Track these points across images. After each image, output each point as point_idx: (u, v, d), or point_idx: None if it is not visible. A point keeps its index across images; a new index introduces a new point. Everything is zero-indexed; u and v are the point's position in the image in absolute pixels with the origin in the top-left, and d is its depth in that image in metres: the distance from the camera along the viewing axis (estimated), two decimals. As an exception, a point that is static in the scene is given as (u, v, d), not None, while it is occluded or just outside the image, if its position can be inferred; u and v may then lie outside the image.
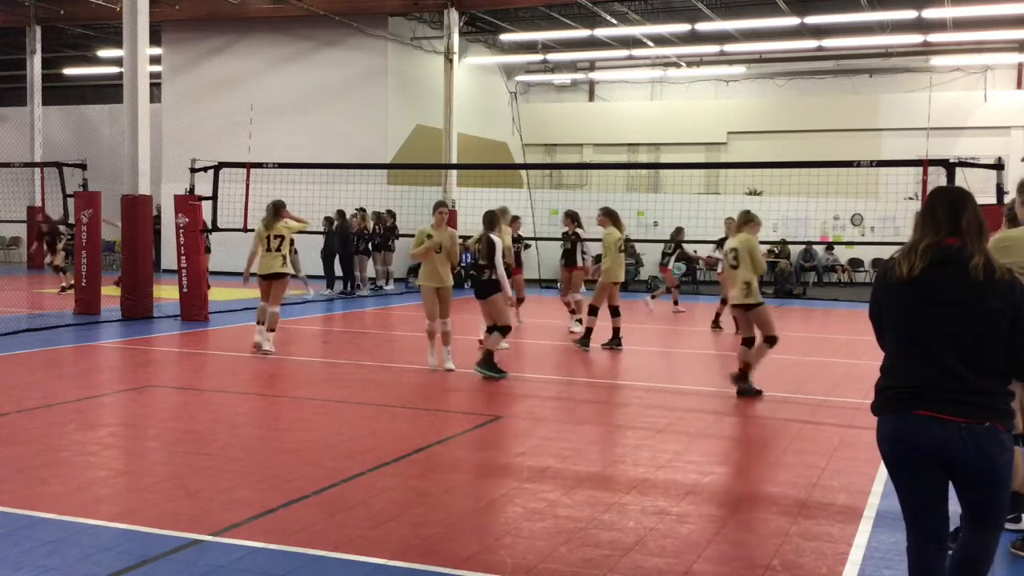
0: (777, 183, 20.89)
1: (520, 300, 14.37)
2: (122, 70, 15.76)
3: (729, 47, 26.65)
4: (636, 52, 27.65)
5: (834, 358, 12.29)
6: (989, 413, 3.35)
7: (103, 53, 28.82)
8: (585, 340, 12.50)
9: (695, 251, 20.73)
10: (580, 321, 13.91)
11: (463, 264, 22.00)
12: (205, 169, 15.10)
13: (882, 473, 6.28)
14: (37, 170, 22.47)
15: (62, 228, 18.76)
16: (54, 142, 28.77)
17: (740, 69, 29.30)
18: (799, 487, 6.19)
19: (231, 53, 26.17)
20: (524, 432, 7.80)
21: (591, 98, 32.68)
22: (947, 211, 3.47)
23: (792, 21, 23.17)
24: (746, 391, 9.18)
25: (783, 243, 22.56)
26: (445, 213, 10.42)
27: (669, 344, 14.32)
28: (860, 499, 5.90)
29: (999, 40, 25.84)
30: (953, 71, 27.61)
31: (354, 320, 16.80)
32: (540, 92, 33.23)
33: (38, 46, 27.53)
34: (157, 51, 25.23)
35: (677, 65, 29.38)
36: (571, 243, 14.55)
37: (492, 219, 10.30)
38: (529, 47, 28.86)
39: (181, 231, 15.35)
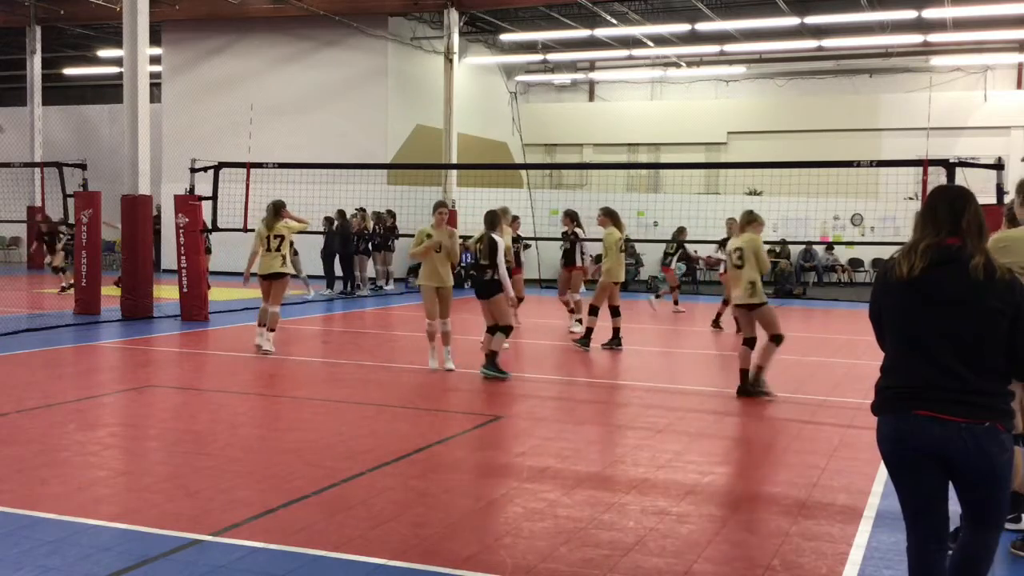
0: (777, 183, 20.91)
1: (519, 300, 14.37)
2: (122, 70, 15.76)
3: (729, 47, 26.65)
4: (636, 52, 27.65)
5: (834, 358, 12.29)
6: (989, 413, 3.34)
7: (103, 53, 28.82)
8: (585, 340, 12.50)
9: (695, 251, 20.73)
10: (580, 321, 13.92)
11: (463, 264, 22.03)
12: (205, 169, 15.10)
13: (882, 473, 6.28)
14: (37, 170, 22.49)
15: (62, 228, 18.76)
16: (54, 142, 28.78)
17: (740, 69, 29.30)
18: (799, 487, 6.19)
19: (231, 53, 26.17)
20: (524, 432, 7.80)
21: (591, 98, 32.68)
22: (947, 211, 3.47)
23: (792, 21, 23.17)
24: (761, 392, 9.16)
25: (783, 243, 22.57)
26: (445, 213, 10.41)
27: (669, 344, 14.32)
28: (860, 499, 5.90)
29: (999, 40, 25.84)
30: (953, 71, 27.61)
31: (354, 320, 16.81)
32: (540, 92, 33.23)
33: (38, 46, 27.53)
34: (157, 51, 25.23)
35: (677, 65, 29.39)
36: (570, 243, 14.55)
37: (493, 219, 10.29)
38: (529, 47, 28.87)
39: (181, 231, 15.35)
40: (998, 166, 11.01)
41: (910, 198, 21.32)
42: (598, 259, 15.43)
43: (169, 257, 21.12)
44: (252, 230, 12.70)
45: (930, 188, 3.94)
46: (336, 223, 20.31)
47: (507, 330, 10.12)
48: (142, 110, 15.32)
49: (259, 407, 8.76)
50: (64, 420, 7.76)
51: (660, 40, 26.52)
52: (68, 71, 32.06)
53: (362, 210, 20.95)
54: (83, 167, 16.51)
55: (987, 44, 26.25)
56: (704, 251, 22.58)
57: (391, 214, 21.54)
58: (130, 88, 15.31)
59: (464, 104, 25.57)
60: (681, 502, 5.78)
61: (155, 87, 23.67)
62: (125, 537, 4.96)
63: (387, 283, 21.89)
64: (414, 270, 20.89)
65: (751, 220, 9.47)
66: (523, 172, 28.26)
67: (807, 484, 6.25)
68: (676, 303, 18.13)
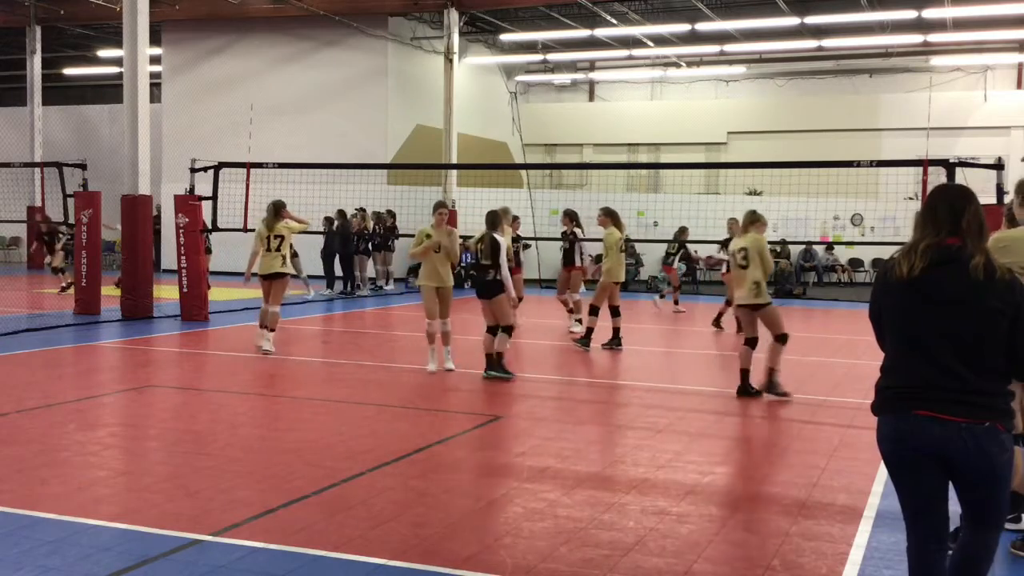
0: (777, 183, 20.90)
1: (519, 300, 14.37)
2: (122, 70, 15.76)
3: (729, 47, 26.65)
4: (636, 52, 27.65)
5: (834, 358, 12.29)
6: (989, 413, 3.34)
7: (103, 53, 28.82)
8: (586, 340, 12.50)
9: (695, 251, 20.74)
10: (580, 321, 13.92)
11: (463, 264, 22.02)
12: (205, 169, 15.11)
13: (882, 473, 6.28)
14: (37, 170, 22.49)
15: (62, 228, 18.76)
16: (54, 142, 28.77)
17: (740, 69, 29.30)
18: (799, 487, 6.19)
19: (231, 53, 26.17)
20: (524, 432, 7.80)
21: (591, 98, 32.68)
22: (947, 210, 3.47)
23: (792, 21, 23.17)
24: (779, 393, 9.15)
25: (783, 243, 22.56)
26: (445, 214, 10.39)
27: (669, 344, 14.32)
28: (860, 499, 5.90)
29: (999, 40, 25.84)
30: (953, 71, 27.61)
31: (354, 320, 16.81)
32: (540, 92, 33.23)
33: (38, 46, 27.53)
34: (157, 51, 25.23)
35: (677, 65, 29.39)
36: (569, 243, 14.55)
37: (495, 219, 10.28)
38: (529, 47, 28.86)
39: (181, 231, 15.35)
40: (998, 166, 11.02)
41: (910, 198, 21.32)
42: (598, 259, 15.44)
43: (169, 257, 21.12)
44: (252, 230, 12.70)
45: (930, 188, 3.93)
46: (337, 223, 20.31)
47: (508, 330, 10.12)
48: (142, 110, 15.32)
49: (259, 407, 8.76)
50: (64, 420, 7.76)
51: (660, 40, 26.52)
52: (68, 71, 32.06)
53: (362, 210, 20.96)
54: (83, 167, 16.51)
55: (987, 44, 26.25)
56: (704, 251, 22.61)
57: (391, 214, 21.54)
58: (130, 88, 15.31)
59: (464, 104, 25.57)
60: (681, 502, 5.78)
61: (155, 87, 23.67)
62: (125, 537, 4.96)
63: (387, 283, 21.89)
64: (414, 270, 20.89)
65: (754, 220, 9.47)
66: (523, 172, 28.26)
67: (807, 484, 6.25)
68: (676, 303, 18.13)
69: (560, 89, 33.15)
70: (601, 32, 25.46)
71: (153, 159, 16.66)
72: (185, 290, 15.15)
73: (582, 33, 25.65)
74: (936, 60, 27.08)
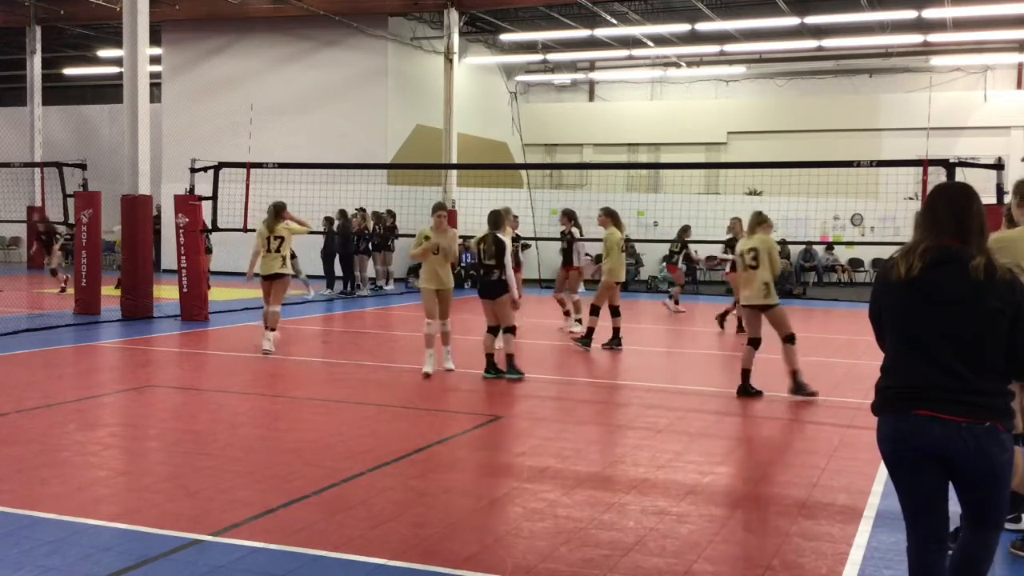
0: (777, 183, 20.90)
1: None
2: (122, 70, 15.77)
3: (729, 47, 26.65)
4: (636, 52, 27.65)
5: (834, 358, 12.29)
6: (989, 413, 3.34)
7: (103, 53, 28.83)
8: (586, 340, 12.50)
9: (695, 251, 20.72)
10: (580, 321, 13.92)
11: (463, 264, 22.03)
12: (205, 169, 15.11)
13: (882, 473, 6.28)
14: (37, 170, 22.50)
15: (62, 228, 18.77)
16: (54, 142, 28.78)
17: (740, 69, 29.30)
18: (799, 487, 6.19)
19: (231, 53, 26.17)
20: (524, 432, 7.80)
21: (591, 98, 32.68)
22: (947, 211, 3.47)
23: (792, 21, 23.17)
24: (808, 393, 9.16)
25: (783, 243, 22.50)
26: (444, 215, 10.35)
27: (669, 344, 14.32)
28: (860, 499, 5.90)
29: (999, 40, 25.84)
30: (953, 71, 27.61)
31: (354, 320, 16.80)
32: (540, 92, 33.23)
33: (38, 46, 27.53)
34: (157, 51, 25.23)
35: (677, 65, 29.39)
36: (567, 243, 14.54)
37: (497, 219, 10.27)
38: (529, 47, 28.87)
39: (181, 231, 15.35)
40: (998, 166, 11.02)
41: (910, 198, 21.33)
42: (598, 259, 15.43)
43: (169, 257, 21.12)
44: (252, 230, 12.71)
45: (930, 188, 3.93)
46: (337, 223, 20.31)
47: (511, 331, 10.12)
48: (142, 110, 15.32)
49: (259, 407, 8.76)
50: (64, 420, 7.76)
51: (660, 40, 26.52)
52: (68, 71, 32.06)
53: (362, 210, 20.96)
54: (83, 167, 16.52)
55: (987, 44, 26.25)
56: (704, 251, 22.61)
57: (391, 214, 21.54)
58: (130, 88, 15.31)
59: (464, 104, 25.57)
60: (681, 502, 5.78)
61: (155, 87, 23.67)
62: (125, 537, 4.96)
63: (387, 283, 21.89)
64: (414, 270, 20.90)
65: (761, 222, 9.49)
66: (523, 172, 28.26)
67: (807, 484, 6.24)
68: (676, 303, 18.12)
69: (560, 89, 33.15)
70: (601, 32, 25.46)
71: (153, 159, 16.66)
72: (185, 290, 15.15)
73: (582, 33, 25.65)
74: (936, 60, 27.08)
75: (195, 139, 24.45)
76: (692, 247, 19.15)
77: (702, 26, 24.38)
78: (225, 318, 15.40)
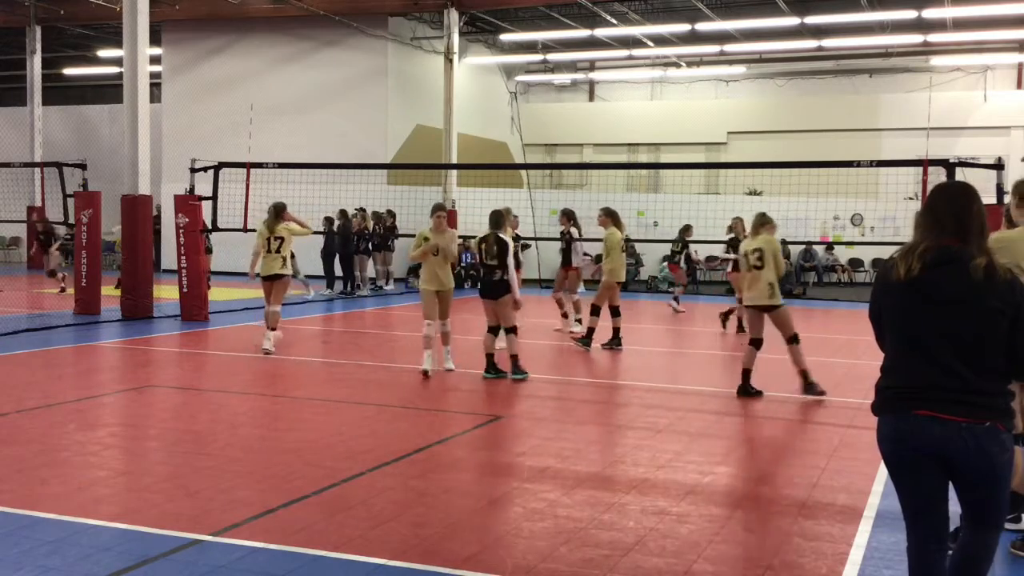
0: (777, 183, 20.90)
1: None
2: (122, 70, 15.77)
3: (729, 47, 26.65)
4: (636, 52, 27.65)
5: (834, 358, 12.28)
6: (989, 413, 3.34)
7: (103, 53, 28.83)
8: (586, 340, 12.49)
9: (695, 251, 20.72)
10: (580, 320, 13.92)
11: (463, 264, 22.04)
12: (205, 169, 15.11)
13: (882, 473, 6.28)
14: (37, 170, 22.50)
15: (58, 231, 18.77)
16: (54, 142, 28.78)
17: (740, 69, 29.30)
18: (799, 487, 6.19)
19: (231, 53, 26.17)
20: (524, 432, 7.80)
21: (591, 98, 32.68)
22: (947, 211, 3.47)
23: (792, 21, 23.17)
24: (818, 392, 9.17)
25: (783, 243, 22.51)
26: (443, 216, 10.34)
27: (669, 344, 14.32)
28: (860, 499, 5.90)
29: (999, 40, 25.84)
30: (953, 71, 27.61)
31: (354, 320, 16.80)
32: (540, 92, 33.23)
33: (38, 46, 27.53)
34: (157, 51, 25.23)
35: (677, 65, 29.38)
36: (566, 243, 14.53)
37: (499, 219, 10.26)
38: (529, 47, 28.86)
39: (181, 231, 15.35)
40: (998, 166, 11.03)
41: (910, 198, 21.32)
42: (598, 259, 15.42)
43: (169, 257, 21.12)
44: (252, 230, 12.73)
45: (930, 188, 3.93)
46: (337, 223, 20.31)
47: (513, 331, 10.12)
48: (142, 110, 15.32)
49: (259, 407, 8.76)
50: (64, 420, 7.76)
51: (660, 40, 26.52)
52: (68, 71, 32.06)
53: (362, 210, 20.96)
54: (83, 167, 16.52)
55: (987, 44, 26.25)
56: (705, 251, 22.62)
57: (391, 214, 21.54)
58: (130, 88, 15.31)
59: (464, 104, 25.57)
60: (681, 502, 5.78)
61: (155, 87, 23.67)
62: (125, 537, 4.96)
63: (387, 283, 21.89)
64: (414, 270, 20.90)
65: (765, 222, 9.51)
66: (523, 172, 28.26)
67: (807, 484, 6.24)
68: (678, 301, 18.12)
69: (560, 89, 33.15)
70: (601, 32, 25.46)
71: (153, 159, 16.66)
72: (185, 290, 15.15)
73: (582, 33, 25.65)
74: (936, 60, 27.08)
75: (195, 139, 24.45)
76: (692, 247, 19.15)
77: (702, 26, 24.38)
78: (225, 318, 15.41)
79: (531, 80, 32.29)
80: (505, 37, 27.59)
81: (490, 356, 10.14)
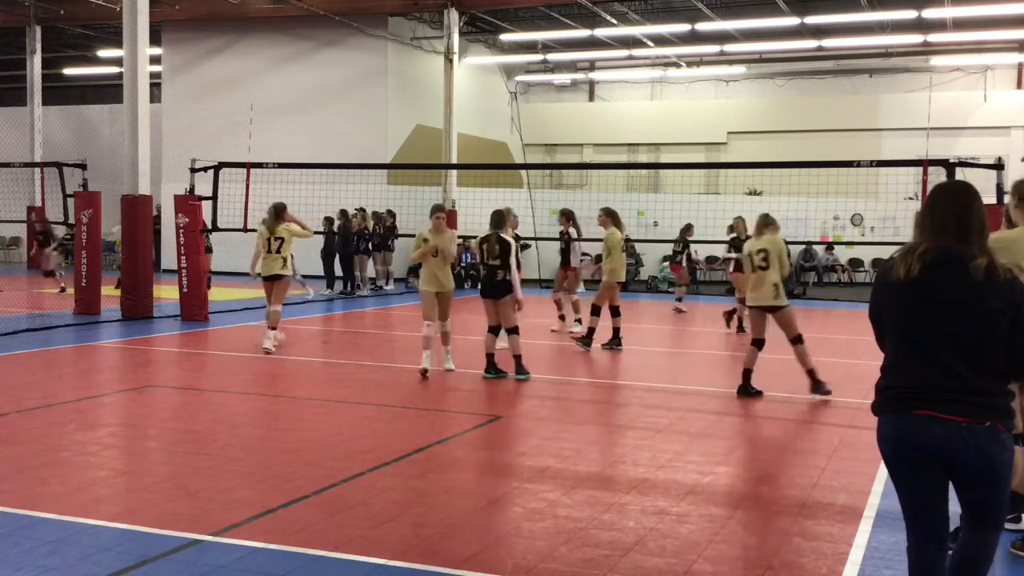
0: (777, 183, 20.89)
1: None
2: (122, 70, 15.77)
3: (729, 47, 26.64)
4: (636, 52, 27.65)
5: (834, 358, 12.28)
6: (989, 413, 3.34)
7: (103, 53, 28.82)
8: (587, 339, 12.49)
9: (695, 251, 20.72)
10: (579, 320, 13.91)
11: (463, 264, 22.04)
12: (205, 169, 15.11)
13: (882, 473, 6.28)
14: (37, 170, 22.50)
15: (61, 229, 18.76)
16: (54, 142, 28.77)
17: (740, 69, 29.30)
18: (799, 487, 6.19)
19: (231, 53, 26.17)
20: (524, 432, 7.80)
21: (591, 98, 32.68)
22: (948, 210, 3.46)
23: (792, 21, 23.17)
24: (825, 392, 9.17)
25: (784, 243, 22.50)
26: (442, 217, 10.32)
27: (669, 344, 14.32)
28: (860, 499, 5.90)
29: (999, 40, 25.84)
30: (953, 71, 27.61)
31: (354, 320, 16.80)
32: (540, 92, 33.22)
33: (38, 46, 27.53)
34: (157, 51, 25.23)
35: (677, 65, 29.38)
36: (564, 243, 14.53)
37: (500, 219, 10.26)
38: (529, 47, 28.86)
39: (181, 231, 15.35)
40: (998, 166, 11.03)
41: (910, 198, 21.33)
42: (598, 259, 15.41)
43: (169, 257, 21.12)
44: (252, 230, 12.73)
45: (930, 188, 3.92)
46: (338, 223, 20.31)
47: (515, 331, 10.12)
48: (142, 110, 15.32)
49: (259, 407, 8.76)
50: (64, 420, 7.76)
51: (660, 40, 26.51)
52: (68, 71, 32.06)
53: (362, 210, 20.96)
54: (83, 167, 16.52)
55: (987, 44, 26.25)
56: (704, 251, 22.61)
57: (391, 214, 21.54)
58: (130, 88, 15.31)
59: (464, 104, 25.57)
60: (681, 502, 5.78)
61: (155, 87, 23.66)
62: (125, 537, 4.96)
63: (387, 283, 21.89)
64: (414, 270, 20.89)
65: (768, 223, 9.51)
66: (523, 172, 28.26)
67: (807, 484, 6.25)
68: (679, 301, 18.12)
69: (560, 89, 33.15)
70: (601, 32, 25.46)
71: (153, 159, 16.66)
72: (185, 290, 15.15)
73: (582, 33, 25.65)
74: (936, 60, 27.08)
75: (195, 139, 24.45)
76: (692, 247, 19.15)
77: (702, 26, 24.38)
78: (225, 318, 15.40)
79: (531, 80, 32.29)
80: (505, 37, 27.58)
81: (490, 356, 10.14)
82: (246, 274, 12.28)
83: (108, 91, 30.88)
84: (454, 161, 24.08)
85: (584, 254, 15.57)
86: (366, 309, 18.23)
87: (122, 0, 15.58)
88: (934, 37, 24.49)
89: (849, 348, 13.12)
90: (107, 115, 30.09)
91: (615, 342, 12.60)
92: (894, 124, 27.51)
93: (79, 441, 7.03)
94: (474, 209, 16.89)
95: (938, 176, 11.50)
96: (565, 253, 14.64)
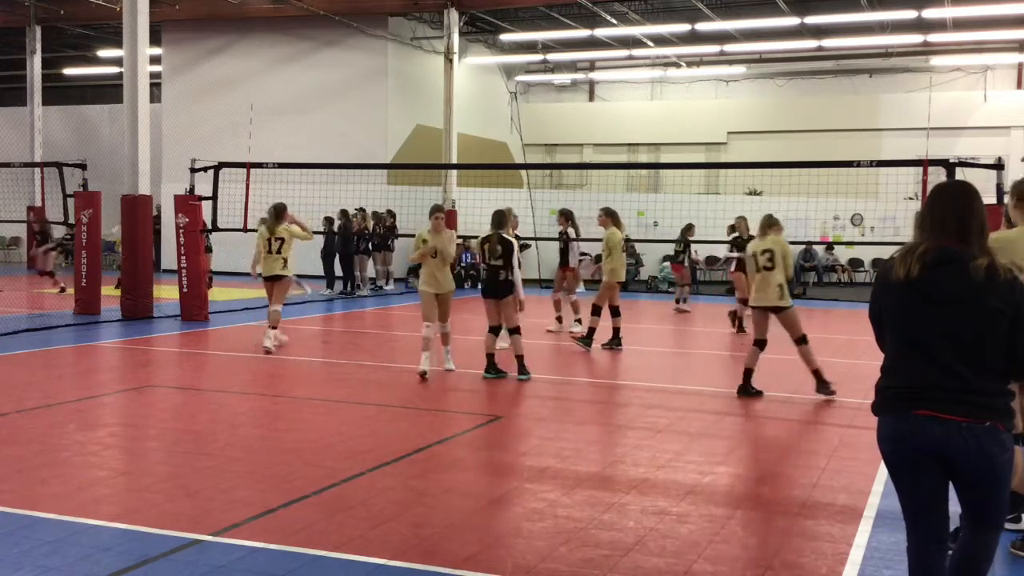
0: (777, 183, 20.88)
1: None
2: (122, 70, 15.77)
3: (729, 47, 26.64)
4: (636, 52, 27.65)
5: (834, 358, 12.28)
6: (989, 413, 3.34)
7: (103, 53, 28.82)
8: (587, 339, 12.49)
9: (695, 251, 20.72)
10: (579, 320, 13.91)
11: (463, 264, 22.04)
12: (205, 169, 15.11)
13: (882, 473, 6.28)
14: (37, 170, 22.49)
15: (61, 230, 18.75)
16: (54, 142, 28.77)
17: (740, 69, 29.30)
18: (799, 487, 6.19)
19: (231, 53, 26.17)
20: (524, 432, 7.80)
21: (591, 98, 32.68)
22: (949, 210, 3.46)
23: (792, 21, 23.17)
24: (829, 392, 9.18)
25: (783, 243, 22.51)
26: (441, 218, 10.31)
27: (669, 344, 14.32)
28: (860, 499, 5.90)
29: (999, 40, 25.84)
30: (953, 71, 27.61)
31: (354, 320, 16.80)
32: (540, 92, 33.22)
33: (38, 46, 27.52)
34: (157, 51, 25.23)
35: (677, 65, 29.38)
36: (563, 243, 14.53)
37: (501, 219, 10.26)
38: (529, 47, 28.86)
39: (181, 231, 15.35)
40: (998, 166, 11.03)
41: (910, 198, 21.33)
42: (598, 259, 15.41)
43: (169, 257, 21.12)
44: (252, 230, 12.74)
45: (930, 188, 3.92)
46: (338, 223, 20.31)
47: (516, 331, 10.11)
48: (142, 110, 15.32)
49: (259, 407, 8.76)
50: (64, 420, 7.76)
51: (660, 40, 26.51)
52: (68, 71, 32.05)
53: (362, 210, 20.96)
54: (83, 167, 16.52)
55: (987, 44, 26.25)
56: (704, 251, 22.61)
57: (391, 214, 21.54)
58: (130, 88, 15.31)
59: (464, 104, 25.57)
60: (681, 502, 5.78)
61: (155, 87, 23.67)
62: (125, 537, 4.96)
63: (387, 283, 21.88)
64: (414, 270, 20.88)
65: (772, 223, 9.50)
66: (523, 172, 28.26)
67: (807, 484, 6.25)
68: (678, 302, 18.13)
69: (560, 89, 33.15)
70: (601, 32, 25.46)
71: (153, 159, 16.66)
72: (185, 290, 15.15)
73: (582, 33, 25.65)
74: (936, 60, 27.08)
75: (195, 139, 24.45)
76: (693, 247, 19.15)
77: (702, 26, 24.38)
78: (225, 318, 15.40)
79: (531, 80, 32.28)
80: (505, 37, 27.58)
81: (490, 356, 10.14)
82: (246, 274, 12.29)
83: (108, 91, 30.88)
84: (454, 161, 24.08)
85: (583, 254, 15.56)
86: (366, 309, 18.23)
87: (122, 0, 15.58)
88: (934, 37, 24.49)
89: (849, 348, 13.12)
90: (107, 115, 30.09)
91: (615, 342, 12.60)
92: (894, 124, 27.51)
93: (79, 441, 7.03)
94: (474, 209, 16.89)
95: (938, 176, 11.49)
96: (564, 253, 14.64)
